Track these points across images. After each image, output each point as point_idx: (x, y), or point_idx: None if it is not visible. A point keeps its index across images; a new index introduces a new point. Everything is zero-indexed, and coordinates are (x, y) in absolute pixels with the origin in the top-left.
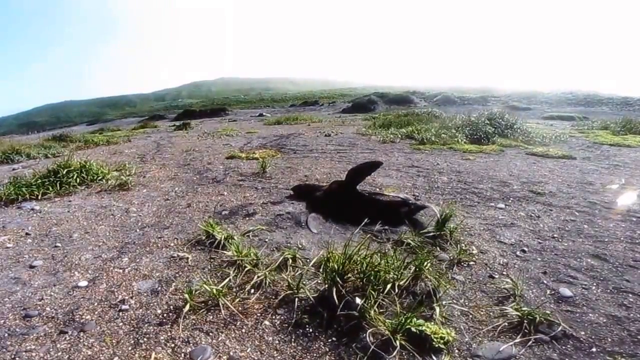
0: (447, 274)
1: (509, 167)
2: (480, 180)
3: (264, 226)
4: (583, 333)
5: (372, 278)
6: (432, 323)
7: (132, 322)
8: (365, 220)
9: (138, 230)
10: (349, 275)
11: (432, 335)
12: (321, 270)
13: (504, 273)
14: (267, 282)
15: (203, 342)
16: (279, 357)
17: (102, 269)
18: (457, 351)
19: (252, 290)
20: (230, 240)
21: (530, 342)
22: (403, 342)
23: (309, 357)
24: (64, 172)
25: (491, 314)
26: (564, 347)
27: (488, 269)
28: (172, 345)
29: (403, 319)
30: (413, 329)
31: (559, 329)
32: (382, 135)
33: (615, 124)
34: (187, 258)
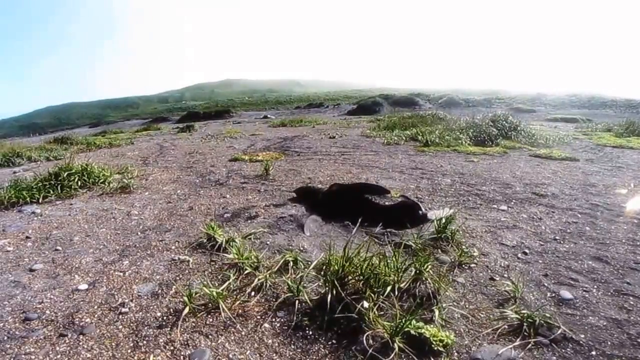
0: (448, 277)
1: (512, 169)
2: (483, 182)
3: (266, 229)
4: (583, 336)
5: (372, 280)
6: (432, 326)
7: (131, 325)
8: (366, 222)
9: (139, 233)
10: (349, 277)
11: (431, 338)
12: (322, 273)
13: (505, 275)
14: (268, 285)
15: (202, 345)
16: None
17: (103, 272)
18: (456, 354)
19: (253, 293)
20: (231, 243)
21: (530, 345)
22: (402, 345)
23: (308, 359)
24: (65, 175)
25: (491, 316)
26: (563, 350)
27: (489, 271)
28: (172, 347)
29: (402, 322)
30: (412, 332)
31: (559, 331)
32: (387, 138)
33: (618, 126)
34: (188, 261)
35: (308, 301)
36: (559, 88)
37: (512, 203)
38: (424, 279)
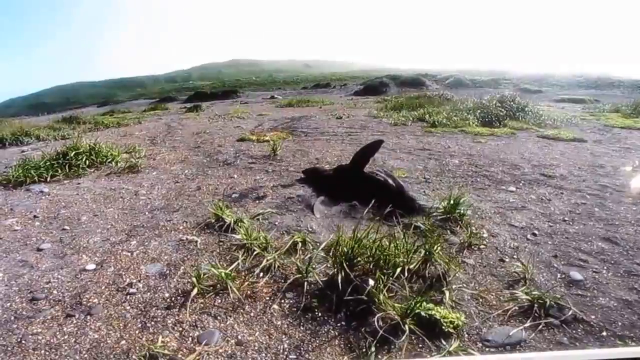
0: (458, 258)
1: (520, 150)
2: (492, 163)
3: (274, 209)
4: (593, 317)
5: (381, 262)
6: (442, 307)
7: (139, 305)
8: (373, 203)
9: (147, 213)
10: (359, 259)
11: (441, 320)
12: (331, 254)
13: (515, 256)
14: (276, 266)
15: (211, 326)
16: (287, 341)
17: (110, 252)
18: (466, 335)
19: (261, 274)
20: (239, 224)
21: (541, 326)
22: (412, 327)
23: (317, 341)
24: (73, 154)
25: (501, 298)
26: (574, 331)
27: (498, 252)
28: (180, 329)
29: (412, 303)
30: (423, 313)
31: (570, 313)
32: (394, 118)
33: (626, 106)
34: (196, 241)
35: (318, 282)
36: (567, 68)
37: (521, 184)
38: (433, 260)
